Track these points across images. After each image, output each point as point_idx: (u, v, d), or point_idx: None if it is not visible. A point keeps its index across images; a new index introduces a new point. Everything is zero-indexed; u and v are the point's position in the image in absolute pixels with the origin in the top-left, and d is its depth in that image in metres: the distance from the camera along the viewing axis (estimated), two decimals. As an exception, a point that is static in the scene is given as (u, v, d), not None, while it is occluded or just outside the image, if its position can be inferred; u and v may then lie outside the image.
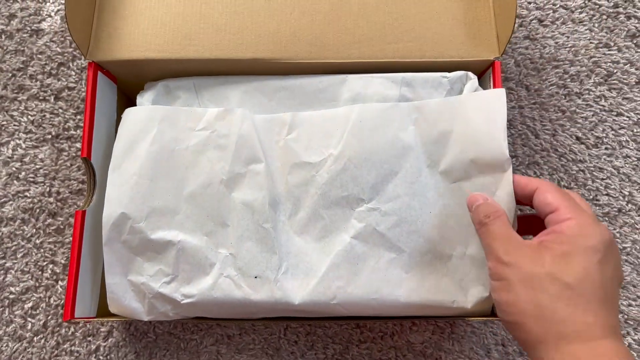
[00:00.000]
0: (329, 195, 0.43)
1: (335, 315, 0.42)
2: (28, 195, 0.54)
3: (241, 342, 0.52)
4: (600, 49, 0.56)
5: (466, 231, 0.41)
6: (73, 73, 0.57)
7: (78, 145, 0.55)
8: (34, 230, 0.54)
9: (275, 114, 0.45)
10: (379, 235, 0.42)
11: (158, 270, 0.42)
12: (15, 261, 0.53)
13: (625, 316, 0.52)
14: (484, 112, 0.41)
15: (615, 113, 0.55)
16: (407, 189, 0.42)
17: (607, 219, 0.54)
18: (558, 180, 0.54)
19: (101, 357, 0.52)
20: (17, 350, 0.52)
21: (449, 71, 0.45)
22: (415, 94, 0.45)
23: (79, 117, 0.56)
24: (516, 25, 0.57)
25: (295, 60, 0.45)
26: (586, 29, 0.57)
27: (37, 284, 0.53)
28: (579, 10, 0.57)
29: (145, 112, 0.44)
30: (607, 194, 0.54)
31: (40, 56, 0.57)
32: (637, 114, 0.55)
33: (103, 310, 0.46)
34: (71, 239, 0.53)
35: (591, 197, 0.54)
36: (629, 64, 0.56)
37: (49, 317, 0.52)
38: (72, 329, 0.52)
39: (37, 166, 0.55)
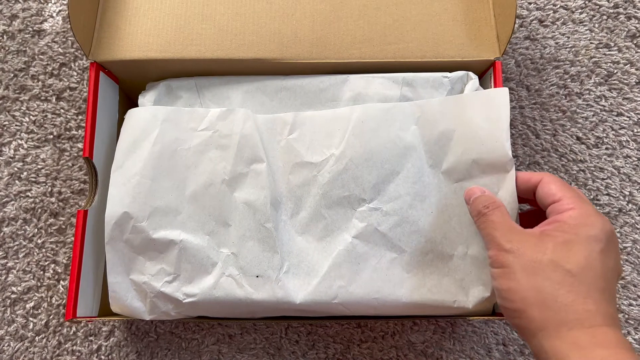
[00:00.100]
0: (330, 195, 0.43)
1: (337, 314, 0.42)
2: (30, 195, 0.55)
3: (242, 341, 0.52)
4: (601, 49, 0.56)
5: (467, 231, 0.41)
6: (75, 73, 0.57)
7: (80, 145, 0.56)
8: (36, 230, 0.54)
9: (277, 114, 0.45)
10: (380, 235, 0.42)
11: (160, 270, 0.42)
12: (17, 261, 0.53)
13: (626, 316, 0.53)
14: (486, 112, 0.41)
15: (615, 113, 0.55)
16: (409, 189, 0.42)
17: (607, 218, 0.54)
18: (558, 180, 0.55)
19: (103, 357, 0.52)
20: (18, 349, 0.52)
21: (450, 71, 0.45)
22: (416, 94, 0.45)
23: (80, 117, 0.56)
24: (516, 25, 0.57)
25: (296, 60, 0.45)
26: (586, 29, 0.57)
27: (39, 284, 0.53)
28: (579, 10, 0.57)
29: (147, 113, 0.44)
30: (608, 194, 0.54)
31: (42, 56, 0.57)
32: (638, 114, 0.55)
33: (105, 310, 0.46)
34: (73, 238, 0.53)
35: (592, 197, 0.54)
36: (629, 64, 0.56)
37: (51, 317, 0.53)
38: (73, 329, 0.52)
39: (39, 166, 0.55)
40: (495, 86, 0.44)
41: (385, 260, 0.42)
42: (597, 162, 0.55)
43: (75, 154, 0.55)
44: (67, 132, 0.56)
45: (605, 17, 0.57)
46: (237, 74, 0.47)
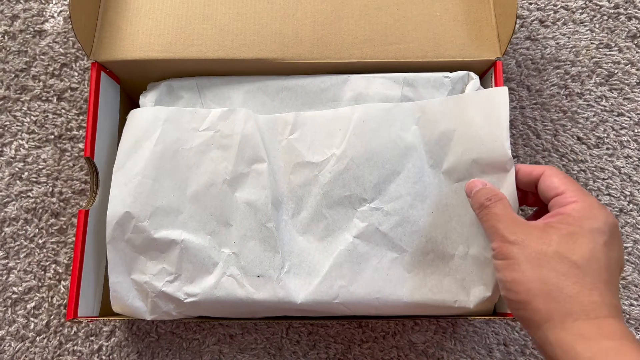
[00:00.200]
0: (331, 195, 0.43)
1: (338, 314, 0.43)
2: (31, 195, 0.55)
3: (243, 341, 0.52)
4: (601, 50, 0.56)
5: (468, 231, 0.41)
6: (76, 74, 0.57)
7: (81, 145, 0.56)
8: (37, 230, 0.54)
9: (278, 114, 0.45)
10: (381, 234, 0.42)
11: (161, 269, 0.42)
12: (18, 261, 0.53)
13: (627, 316, 0.53)
14: (486, 111, 0.41)
15: (616, 113, 0.55)
16: (410, 189, 0.42)
17: (608, 218, 0.54)
18: (559, 180, 0.55)
19: (104, 357, 0.52)
20: (19, 350, 0.52)
21: (451, 71, 0.45)
22: (417, 94, 0.45)
23: (81, 117, 0.56)
24: (517, 25, 0.57)
25: (297, 60, 0.45)
26: (587, 30, 0.57)
27: (40, 284, 0.53)
28: (580, 11, 0.57)
29: (149, 113, 0.44)
30: (609, 194, 0.54)
31: (43, 57, 0.57)
32: (638, 114, 0.55)
33: (106, 310, 0.46)
34: (74, 239, 0.53)
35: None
36: (629, 65, 0.56)
37: (52, 317, 0.53)
38: (74, 329, 0.52)
39: (40, 166, 0.55)
40: (495, 86, 0.44)
41: (386, 260, 0.42)
42: (598, 162, 0.55)
43: (76, 154, 0.55)
44: (68, 133, 0.56)
45: (605, 17, 0.57)
46: (238, 74, 0.47)
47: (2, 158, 0.55)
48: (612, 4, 0.57)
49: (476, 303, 0.41)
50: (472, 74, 0.45)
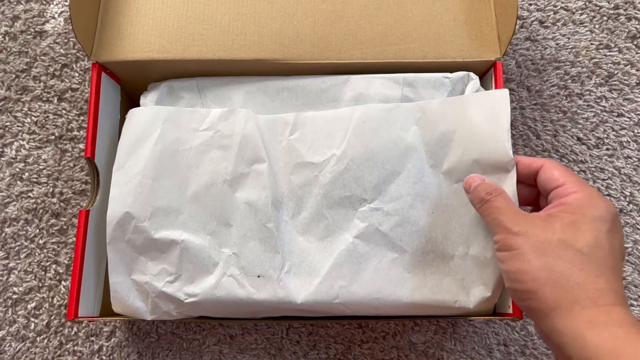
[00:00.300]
0: (331, 195, 0.43)
1: (338, 314, 0.43)
2: (31, 195, 0.55)
3: (244, 342, 0.52)
4: (601, 50, 0.57)
5: (468, 231, 0.41)
6: (76, 74, 0.57)
7: (81, 146, 0.56)
8: (37, 230, 0.54)
9: (279, 114, 0.45)
10: (381, 235, 0.42)
11: (161, 270, 0.42)
12: (18, 261, 0.53)
13: (627, 316, 0.52)
14: (487, 113, 0.41)
15: (616, 114, 0.55)
16: (410, 189, 0.42)
17: (608, 219, 0.54)
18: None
19: (104, 357, 0.52)
20: (20, 350, 0.52)
21: (451, 72, 0.45)
22: (417, 95, 0.45)
23: (82, 118, 0.56)
24: (517, 26, 0.57)
25: (298, 61, 0.45)
26: (587, 30, 0.57)
27: (41, 284, 0.53)
28: (580, 11, 0.57)
29: (149, 113, 0.44)
30: (609, 195, 0.54)
31: (43, 57, 0.57)
32: (638, 114, 0.55)
33: (106, 311, 0.46)
34: (74, 239, 0.53)
35: (592, 197, 0.54)
36: (629, 65, 0.56)
37: (52, 317, 0.53)
38: (75, 329, 0.52)
39: (41, 167, 0.55)
40: (496, 87, 0.44)
41: (387, 260, 0.42)
42: (598, 163, 0.55)
43: (77, 155, 0.56)
44: (69, 133, 0.56)
45: (605, 18, 0.57)
46: (239, 74, 0.47)
47: (2, 158, 0.55)
48: (612, 5, 0.57)
49: (476, 303, 0.41)
50: (472, 74, 0.45)
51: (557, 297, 0.32)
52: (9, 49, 0.57)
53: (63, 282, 0.53)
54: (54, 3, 0.58)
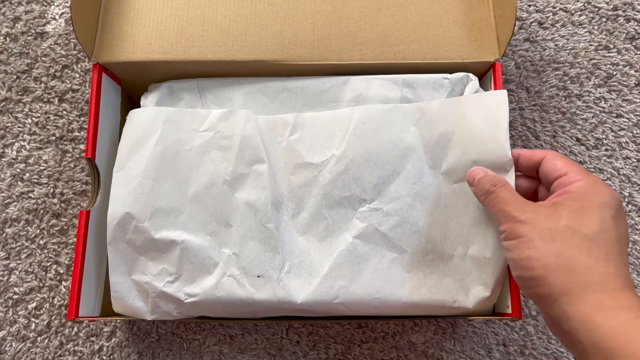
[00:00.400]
0: (331, 196, 0.43)
1: (338, 314, 0.43)
2: (32, 196, 0.55)
3: (244, 342, 0.53)
4: (600, 51, 0.57)
5: (467, 232, 0.42)
6: (77, 75, 0.57)
7: (82, 146, 0.56)
8: (38, 231, 0.54)
9: (278, 115, 0.45)
10: (381, 235, 0.42)
11: (162, 270, 0.42)
12: (19, 262, 0.54)
13: (626, 316, 0.53)
14: (485, 113, 0.41)
15: (615, 115, 0.56)
16: (409, 190, 0.43)
17: (607, 219, 0.54)
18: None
19: (104, 357, 0.52)
20: (20, 350, 0.52)
21: (450, 73, 0.45)
22: (416, 95, 0.45)
23: (82, 118, 0.56)
24: (516, 27, 0.57)
25: (297, 62, 0.45)
26: (586, 32, 0.57)
27: (41, 285, 0.53)
28: (579, 12, 0.57)
29: (149, 113, 0.44)
30: (607, 195, 0.54)
31: (44, 59, 0.57)
32: (637, 115, 0.55)
33: (106, 311, 0.46)
34: (75, 239, 0.54)
35: (591, 198, 0.54)
36: (628, 66, 0.56)
37: (53, 318, 0.53)
38: (75, 329, 0.53)
39: (41, 167, 0.55)
40: (495, 88, 0.45)
41: (386, 261, 0.42)
42: (597, 164, 0.55)
43: (78, 155, 0.56)
44: (70, 134, 0.56)
45: (604, 19, 0.57)
46: (239, 75, 0.47)
47: (3, 159, 0.55)
48: (611, 6, 0.57)
49: (475, 303, 0.41)
50: (471, 75, 0.45)
51: (566, 282, 0.32)
52: (10, 50, 0.57)
53: (63, 283, 0.53)
54: (55, 4, 0.58)
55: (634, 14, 0.57)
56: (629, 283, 0.32)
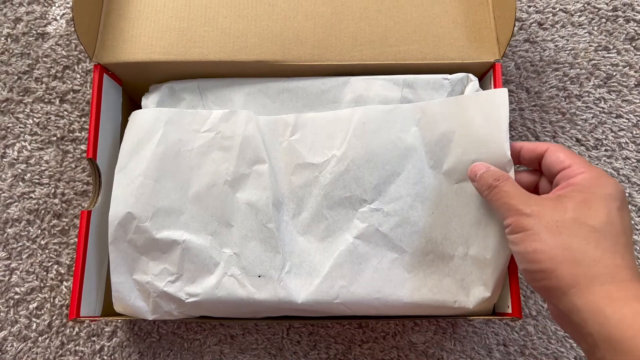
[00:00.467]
0: (332, 196, 0.43)
1: (338, 314, 0.43)
2: (33, 196, 0.55)
3: (244, 342, 0.53)
4: (600, 52, 0.57)
5: (468, 232, 0.42)
6: (78, 76, 0.57)
7: (83, 147, 0.56)
8: (39, 231, 0.54)
9: (279, 116, 0.45)
10: (381, 235, 0.42)
11: (163, 270, 0.42)
12: (20, 262, 0.54)
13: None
14: (486, 112, 0.41)
15: (614, 115, 0.56)
16: (410, 190, 0.43)
17: (607, 220, 0.54)
18: (558, 182, 0.55)
19: (105, 357, 0.52)
20: (21, 350, 0.52)
21: (450, 73, 0.45)
22: (416, 96, 0.45)
23: (83, 119, 0.57)
24: (516, 28, 0.57)
25: (298, 62, 0.45)
26: (585, 32, 0.57)
27: (42, 285, 0.53)
28: (579, 13, 0.58)
29: (151, 114, 0.44)
30: (607, 195, 0.55)
31: (45, 59, 0.57)
32: (637, 116, 0.56)
33: (107, 311, 0.46)
34: (76, 240, 0.54)
35: (591, 198, 0.55)
36: (628, 67, 0.56)
37: (54, 317, 0.53)
38: (76, 329, 0.53)
39: (43, 168, 0.55)
40: (495, 88, 0.45)
41: (387, 261, 0.42)
42: (597, 164, 0.55)
43: (79, 156, 0.56)
44: (71, 134, 0.56)
45: (604, 20, 0.57)
46: (240, 76, 0.47)
47: (5, 159, 0.56)
48: (611, 7, 0.57)
49: (475, 303, 0.41)
50: (471, 75, 0.45)
51: (575, 275, 0.31)
52: (11, 51, 0.57)
53: (64, 283, 0.54)
54: (56, 5, 0.58)
55: (634, 15, 0.57)
56: (637, 274, 0.32)
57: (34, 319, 0.53)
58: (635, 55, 0.57)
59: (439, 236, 0.42)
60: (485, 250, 0.41)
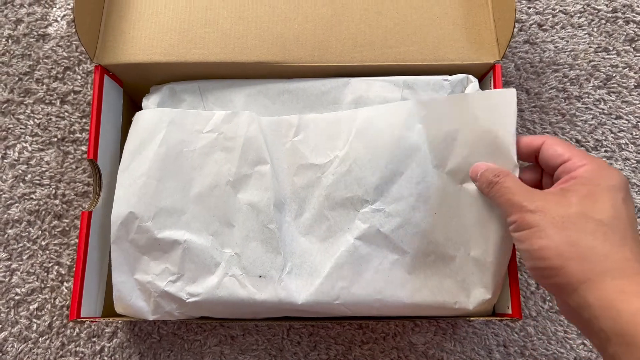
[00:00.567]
0: (333, 197, 0.43)
1: (338, 315, 0.43)
2: (34, 197, 0.55)
3: (244, 342, 0.53)
4: (600, 53, 0.57)
5: (470, 233, 0.41)
6: (79, 77, 0.57)
7: (83, 148, 0.56)
8: (40, 232, 0.54)
9: (282, 117, 0.45)
10: (382, 236, 0.42)
11: (164, 269, 0.42)
12: (20, 262, 0.54)
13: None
14: (493, 113, 0.40)
15: (614, 116, 0.56)
16: (412, 190, 0.42)
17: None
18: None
19: (106, 358, 0.52)
20: (22, 351, 0.52)
21: (450, 74, 0.45)
22: (416, 97, 0.45)
23: (84, 120, 0.57)
24: (516, 29, 0.58)
25: (298, 63, 0.46)
26: (585, 34, 0.57)
27: (43, 285, 0.53)
28: (578, 15, 0.58)
29: (154, 115, 0.44)
30: (607, 196, 0.55)
31: (46, 60, 0.57)
32: (636, 117, 0.56)
33: (108, 312, 0.46)
34: (76, 240, 0.54)
35: (591, 199, 0.55)
36: (627, 68, 0.56)
37: (54, 318, 0.53)
38: (76, 330, 0.53)
39: (43, 169, 0.55)
40: (495, 89, 0.45)
41: (388, 262, 0.42)
42: (597, 165, 0.55)
43: (79, 157, 0.56)
44: (71, 135, 0.56)
45: (604, 21, 0.57)
46: (240, 77, 0.47)
47: (5, 160, 0.56)
48: (610, 8, 0.58)
49: (476, 304, 0.41)
50: (471, 77, 0.45)
51: (584, 270, 0.31)
52: (12, 52, 0.57)
53: (65, 284, 0.54)
54: (57, 6, 0.59)
55: (633, 16, 0.57)
56: None
57: (34, 320, 0.53)
58: (634, 56, 0.57)
59: (441, 237, 0.42)
60: (487, 252, 0.40)
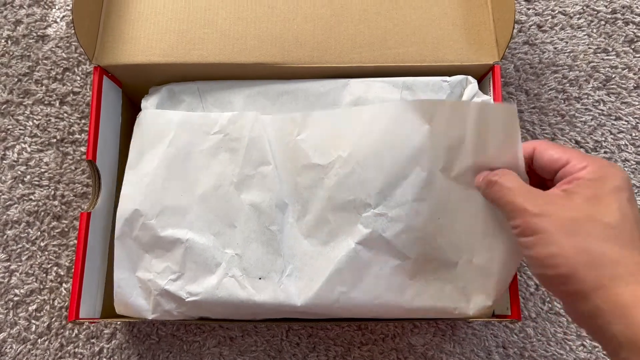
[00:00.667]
0: (336, 199, 0.42)
1: (337, 317, 0.43)
2: (33, 198, 0.55)
3: (243, 343, 0.53)
4: (599, 54, 0.57)
5: (473, 239, 0.40)
6: (78, 78, 0.57)
7: (82, 149, 0.56)
8: (39, 233, 0.54)
9: (287, 114, 0.45)
10: (384, 241, 0.41)
11: (165, 268, 0.42)
12: (19, 263, 0.54)
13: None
14: (499, 126, 0.37)
15: (614, 117, 0.56)
16: (416, 194, 0.41)
17: (606, 222, 0.54)
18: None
19: (104, 359, 0.52)
20: (21, 352, 0.52)
21: (449, 75, 0.45)
22: (415, 98, 0.45)
23: (83, 121, 0.57)
24: (515, 30, 0.58)
25: (298, 64, 0.45)
26: (585, 35, 0.57)
27: (42, 286, 0.53)
28: (578, 16, 0.58)
29: (162, 116, 0.44)
30: (607, 197, 0.55)
31: (45, 61, 0.57)
32: (636, 118, 0.56)
33: (107, 313, 0.46)
34: (75, 241, 0.54)
35: (590, 200, 0.55)
36: (627, 69, 0.56)
37: (53, 319, 0.53)
38: (75, 331, 0.53)
39: (42, 170, 0.55)
40: (494, 90, 0.45)
41: (389, 267, 0.41)
42: (596, 166, 0.55)
43: (78, 158, 0.56)
44: (70, 136, 0.56)
45: (603, 22, 0.57)
46: (239, 78, 0.47)
47: (4, 161, 0.56)
48: (610, 10, 0.58)
49: (476, 311, 0.41)
50: (470, 78, 0.45)
51: (597, 277, 0.30)
52: (11, 53, 0.57)
53: (64, 285, 0.54)
54: (56, 7, 0.59)
55: (633, 17, 0.57)
56: None
57: (33, 321, 0.53)
58: (634, 57, 0.57)
59: (444, 243, 0.41)
60: (491, 261, 0.40)
